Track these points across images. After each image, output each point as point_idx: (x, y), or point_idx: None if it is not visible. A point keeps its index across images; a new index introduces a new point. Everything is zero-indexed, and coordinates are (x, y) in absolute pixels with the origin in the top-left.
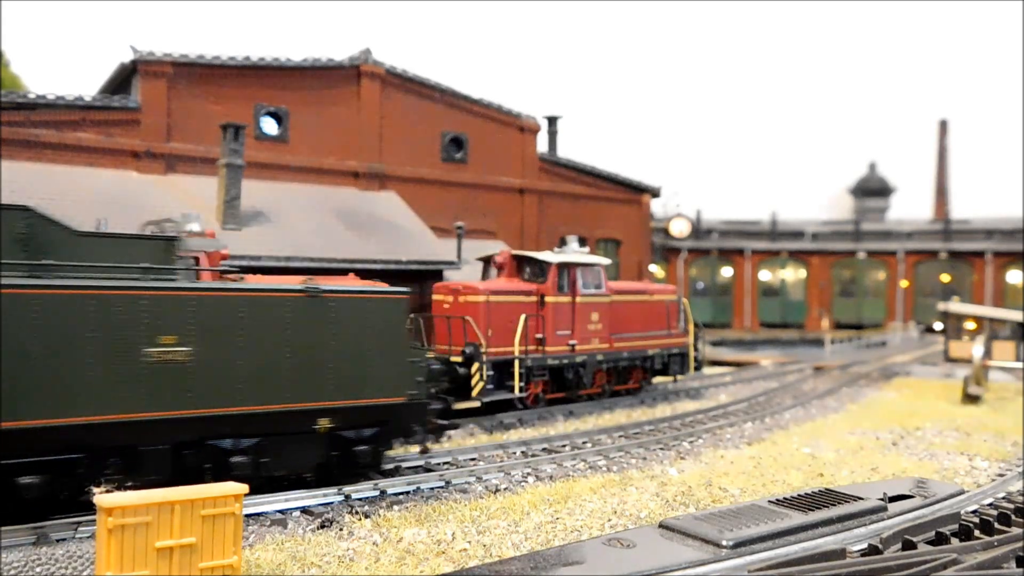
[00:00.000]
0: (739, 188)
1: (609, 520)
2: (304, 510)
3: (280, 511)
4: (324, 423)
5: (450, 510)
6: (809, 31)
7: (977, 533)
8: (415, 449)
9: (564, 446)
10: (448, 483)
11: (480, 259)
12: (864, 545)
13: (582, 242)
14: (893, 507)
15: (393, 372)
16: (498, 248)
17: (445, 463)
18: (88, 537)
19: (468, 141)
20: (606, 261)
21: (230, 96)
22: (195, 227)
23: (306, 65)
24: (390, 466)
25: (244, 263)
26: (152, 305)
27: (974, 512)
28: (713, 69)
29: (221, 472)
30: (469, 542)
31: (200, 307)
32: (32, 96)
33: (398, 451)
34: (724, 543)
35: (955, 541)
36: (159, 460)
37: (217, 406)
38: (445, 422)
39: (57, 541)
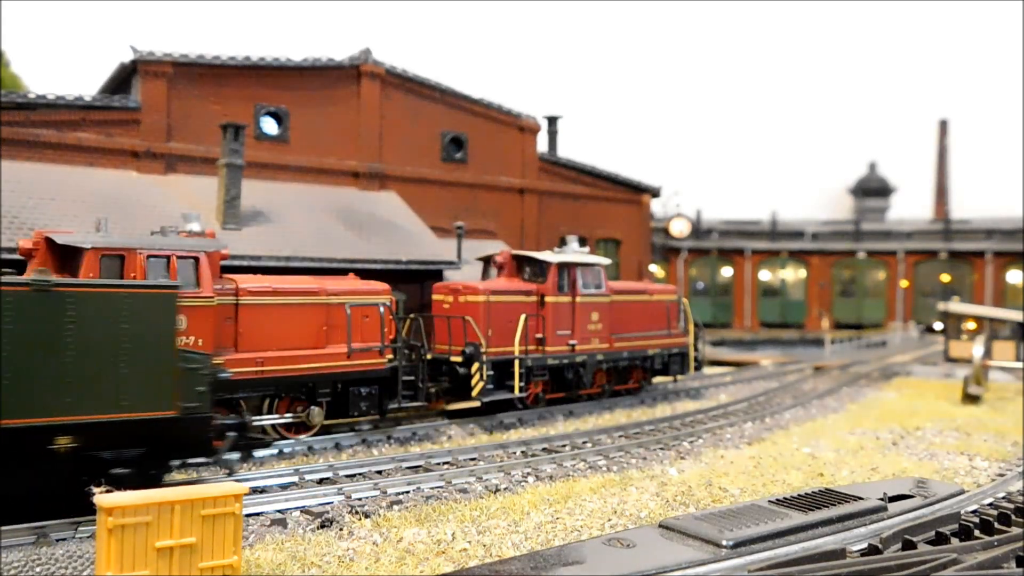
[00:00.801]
0: (739, 188)
1: (609, 520)
2: (304, 510)
3: (280, 511)
4: (64, 442)
5: (450, 510)
6: (809, 31)
7: (977, 533)
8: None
9: (564, 446)
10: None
11: (480, 259)
12: (864, 545)
13: (582, 242)
14: (893, 507)
15: (160, 382)
16: (498, 248)
17: (445, 463)
18: (88, 537)
19: (468, 141)
20: (606, 261)
21: (230, 96)
22: (195, 227)
23: (306, 65)
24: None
25: (244, 263)
26: None
27: (974, 512)
28: (713, 69)
29: None
30: (469, 542)
31: None
32: (32, 96)
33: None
34: (724, 543)
35: (955, 541)
36: None
37: None
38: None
39: (57, 541)
